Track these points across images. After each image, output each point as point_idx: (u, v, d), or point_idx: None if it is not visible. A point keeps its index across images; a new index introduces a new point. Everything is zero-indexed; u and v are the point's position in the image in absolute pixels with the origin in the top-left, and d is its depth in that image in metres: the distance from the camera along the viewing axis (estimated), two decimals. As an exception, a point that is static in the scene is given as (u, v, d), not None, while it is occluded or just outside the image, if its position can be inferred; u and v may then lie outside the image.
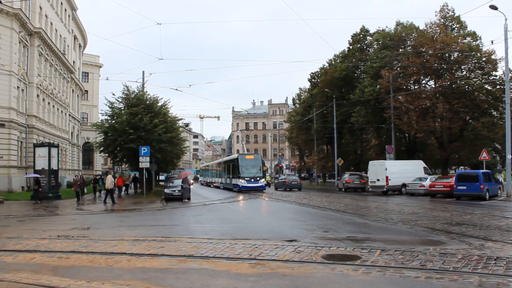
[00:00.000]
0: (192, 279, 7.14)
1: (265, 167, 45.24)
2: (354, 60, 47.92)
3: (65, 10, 47.70)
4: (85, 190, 32.09)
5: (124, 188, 35.89)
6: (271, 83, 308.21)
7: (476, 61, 36.26)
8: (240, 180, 37.21)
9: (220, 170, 49.39)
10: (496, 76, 35.63)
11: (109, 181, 25.96)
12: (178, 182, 28.89)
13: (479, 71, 36.60)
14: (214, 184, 52.91)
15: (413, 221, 14.57)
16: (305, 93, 64.08)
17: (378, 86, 40.48)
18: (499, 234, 11.41)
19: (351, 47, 50.17)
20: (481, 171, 25.51)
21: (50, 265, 8.38)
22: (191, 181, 41.30)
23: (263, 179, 38.69)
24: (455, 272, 7.26)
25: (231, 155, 79.70)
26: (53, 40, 40.98)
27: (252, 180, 37.22)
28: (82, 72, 60.22)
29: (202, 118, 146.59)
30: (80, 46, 57.32)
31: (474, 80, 36.61)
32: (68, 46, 49.21)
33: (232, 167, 40.58)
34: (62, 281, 6.98)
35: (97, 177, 33.83)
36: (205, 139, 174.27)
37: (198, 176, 77.85)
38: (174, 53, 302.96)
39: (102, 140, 33.53)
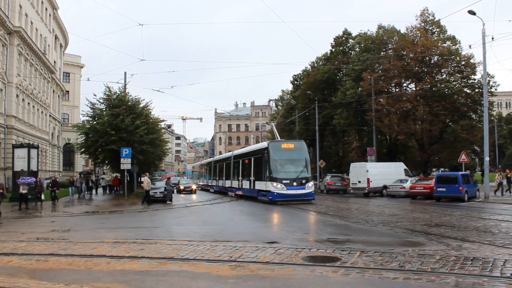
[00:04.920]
0: (172, 282, 7.11)
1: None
2: (336, 62, 48.29)
3: (46, 9, 47.04)
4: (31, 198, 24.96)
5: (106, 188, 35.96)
6: (254, 85, 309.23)
7: (455, 64, 36.90)
8: (274, 184, 24.15)
9: (230, 169, 34.52)
10: (474, 79, 36.29)
11: (146, 182, 26.10)
12: (159, 184, 28.68)
13: (459, 75, 37.26)
14: (226, 191, 35.60)
15: (393, 223, 14.73)
16: (288, 95, 64.29)
17: (359, 89, 40.93)
18: (476, 235, 11.61)
19: (333, 49, 50.56)
20: (460, 173, 25.90)
21: (28, 268, 8.25)
22: (194, 187, 40.25)
23: (311, 182, 25.18)
24: (433, 272, 7.36)
25: (213, 156, 77.12)
26: (33, 39, 40.37)
27: (295, 184, 24.29)
28: (63, 72, 59.51)
29: (184, 119, 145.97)
30: (61, 46, 56.60)
31: (454, 83, 37.25)
32: (48, 45, 48.52)
33: (256, 163, 27.41)
34: (40, 284, 6.88)
35: (55, 181, 28.37)
36: (187, 141, 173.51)
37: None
38: (156, 54, 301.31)
39: (83, 141, 33.14)
